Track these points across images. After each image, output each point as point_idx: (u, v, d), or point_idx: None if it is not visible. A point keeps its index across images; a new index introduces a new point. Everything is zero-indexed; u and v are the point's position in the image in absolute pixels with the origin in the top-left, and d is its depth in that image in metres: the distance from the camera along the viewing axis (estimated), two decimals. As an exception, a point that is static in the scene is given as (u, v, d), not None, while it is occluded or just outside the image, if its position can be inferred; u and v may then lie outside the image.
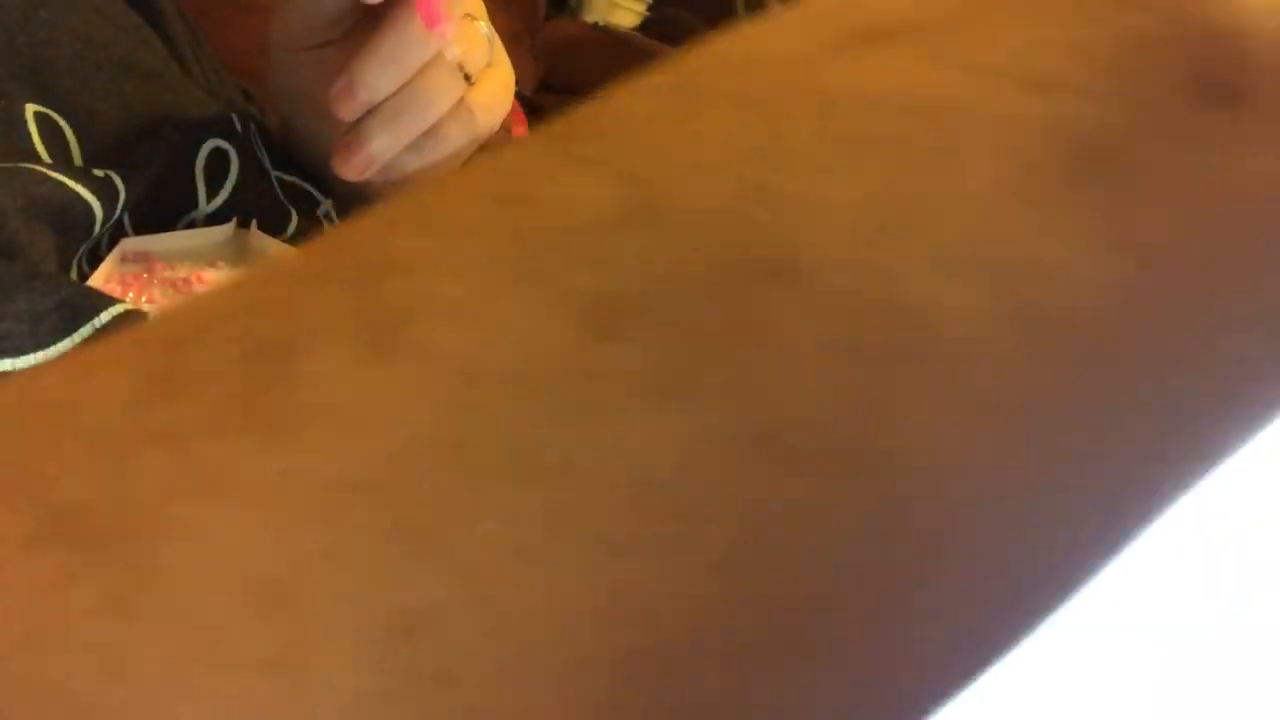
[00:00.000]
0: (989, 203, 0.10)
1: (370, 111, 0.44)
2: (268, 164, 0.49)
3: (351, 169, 0.45)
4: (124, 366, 0.10)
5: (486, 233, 0.10)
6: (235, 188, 0.47)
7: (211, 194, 0.46)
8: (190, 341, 0.10)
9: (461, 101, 0.46)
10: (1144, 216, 0.10)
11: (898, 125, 0.10)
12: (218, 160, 0.46)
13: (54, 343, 0.32)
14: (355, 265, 0.11)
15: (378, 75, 0.43)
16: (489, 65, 0.48)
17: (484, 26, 0.47)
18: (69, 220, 0.37)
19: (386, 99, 0.44)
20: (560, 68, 0.87)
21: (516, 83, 0.52)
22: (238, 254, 0.46)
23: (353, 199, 0.54)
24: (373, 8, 0.43)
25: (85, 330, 0.32)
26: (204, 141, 0.46)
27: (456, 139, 0.47)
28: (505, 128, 0.60)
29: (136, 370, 0.10)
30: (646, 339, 0.09)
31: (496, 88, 0.48)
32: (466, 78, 0.45)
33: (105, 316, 0.33)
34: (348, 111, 0.44)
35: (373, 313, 0.10)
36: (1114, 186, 0.10)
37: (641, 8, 1.01)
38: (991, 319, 0.09)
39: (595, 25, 0.94)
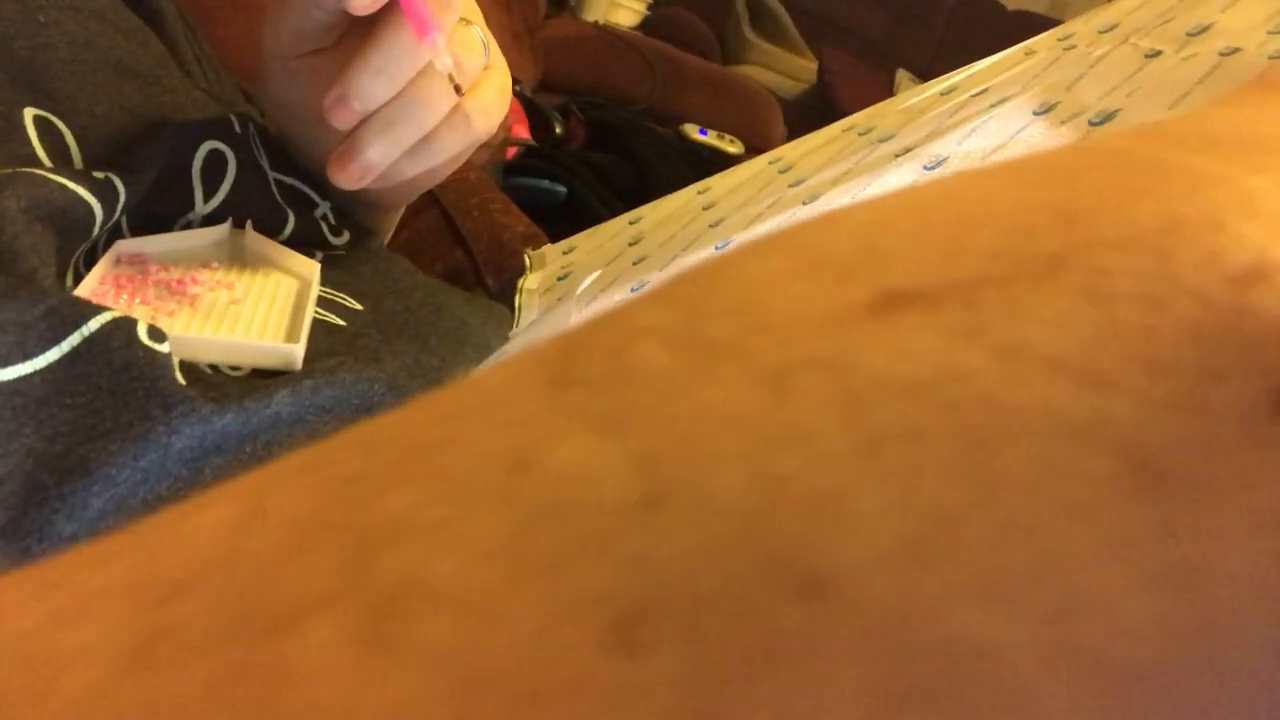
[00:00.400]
0: (1035, 522, 0.09)
1: (365, 121, 0.44)
2: (266, 165, 0.49)
3: (347, 178, 0.46)
4: (108, 622, 0.10)
5: (489, 503, 0.09)
6: (232, 189, 0.47)
7: (209, 195, 0.46)
8: (180, 597, 0.10)
9: (457, 108, 0.46)
10: (1202, 543, 0.09)
11: (928, 419, 0.09)
12: (215, 162, 0.46)
13: (42, 352, 0.31)
14: (349, 521, 0.10)
15: (370, 85, 0.43)
16: (485, 69, 0.48)
17: (479, 31, 0.47)
18: (70, 222, 0.37)
19: (380, 108, 0.44)
20: (560, 66, 0.87)
21: (517, 81, 0.52)
22: (233, 255, 0.47)
23: (350, 202, 0.55)
24: (364, 17, 0.43)
25: (74, 339, 0.32)
26: (201, 143, 0.46)
27: (453, 145, 0.47)
28: (505, 127, 0.60)
29: (120, 631, 0.09)
30: (670, 656, 0.08)
31: (493, 92, 0.48)
32: (457, 89, 0.45)
33: (94, 324, 0.33)
34: (342, 121, 0.44)
35: (366, 589, 0.09)
36: (1173, 507, 0.09)
37: (641, 7, 1.01)
38: (1046, 658, 0.09)
39: (595, 24, 0.94)
